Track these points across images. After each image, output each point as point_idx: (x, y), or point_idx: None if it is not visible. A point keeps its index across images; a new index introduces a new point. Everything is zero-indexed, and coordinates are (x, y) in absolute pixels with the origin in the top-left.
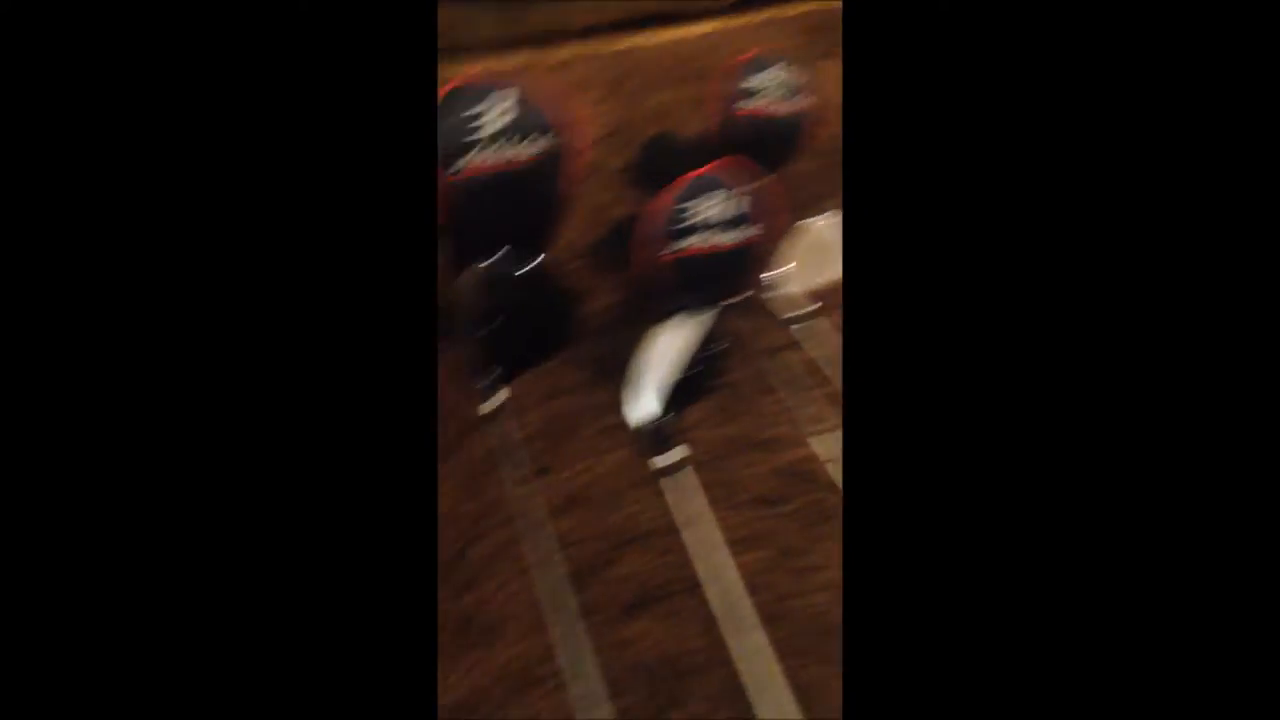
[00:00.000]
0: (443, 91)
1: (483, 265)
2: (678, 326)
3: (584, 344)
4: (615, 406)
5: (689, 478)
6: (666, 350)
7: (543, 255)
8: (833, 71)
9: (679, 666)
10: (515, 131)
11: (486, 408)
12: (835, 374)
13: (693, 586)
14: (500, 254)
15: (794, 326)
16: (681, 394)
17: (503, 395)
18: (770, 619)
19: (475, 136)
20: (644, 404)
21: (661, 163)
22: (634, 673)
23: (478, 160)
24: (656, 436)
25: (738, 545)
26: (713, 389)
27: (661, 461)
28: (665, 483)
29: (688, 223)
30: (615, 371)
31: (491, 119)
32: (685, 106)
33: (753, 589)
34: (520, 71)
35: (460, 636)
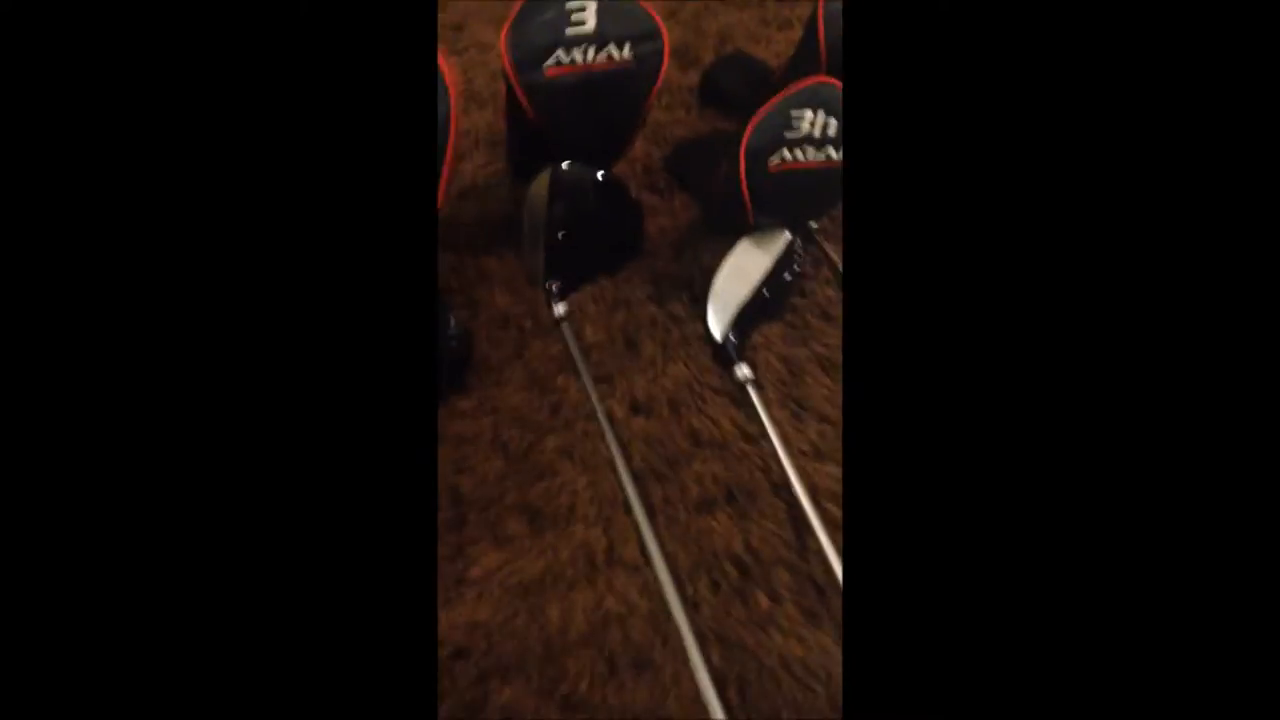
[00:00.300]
0: None
1: (557, 169)
2: (754, 245)
3: (650, 259)
4: (678, 322)
5: (757, 394)
6: (740, 268)
7: (614, 166)
8: None
9: (747, 562)
10: (606, 34)
11: (552, 314)
12: None
13: (761, 491)
14: (576, 159)
15: None
16: (753, 314)
17: (566, 304)
18: (838, 527)
19: (566, 35)
20: (713, 321)
21: (733, 84)
22: (705, 563)
23: (566, 60)
24: (724, 354)
25: (807, 458)
26: (784, 311)
27: (739, 375)
28: (734, 398)
29: (789, 135)
30: (681, 288)
31: (584, 18)
32: (748, 30)
33: (818, 499)
34: None
35: (532, 523)
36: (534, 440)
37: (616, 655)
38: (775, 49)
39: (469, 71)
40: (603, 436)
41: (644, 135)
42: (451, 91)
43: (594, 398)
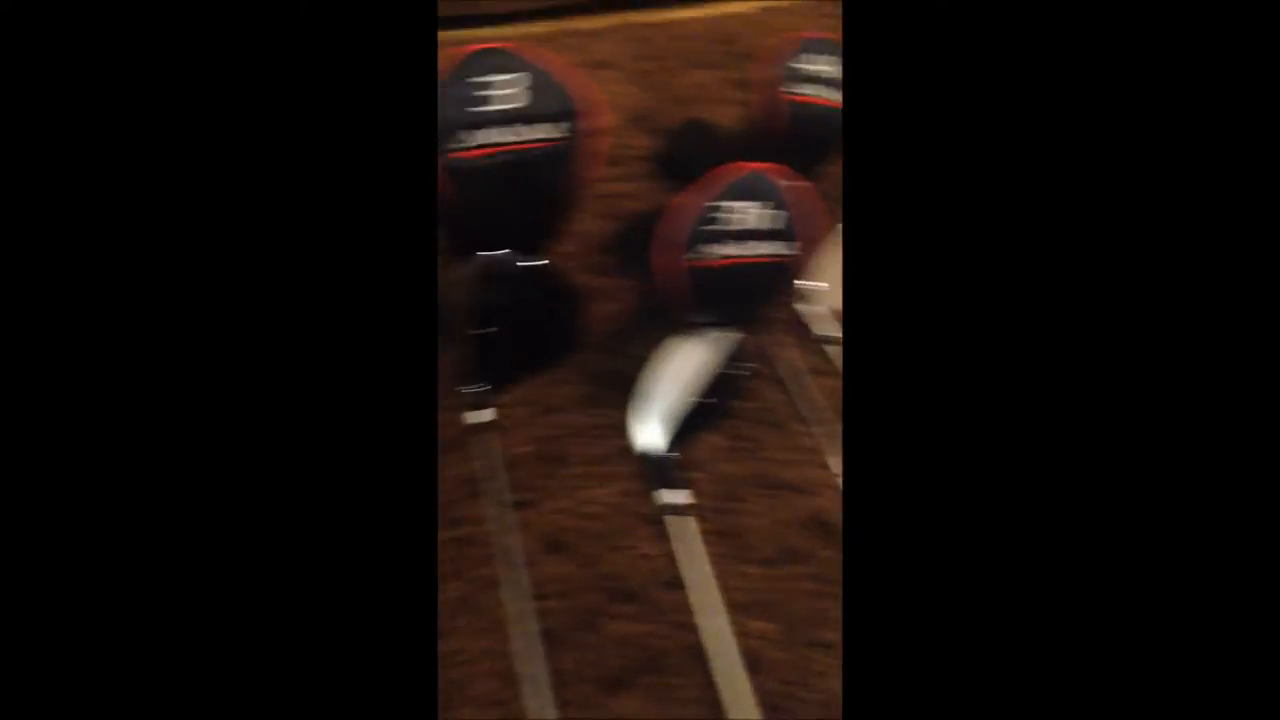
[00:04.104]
0: (451, 58)
1: (482, 257)
2: (695, 344)
3: (586, 355)
4: (615, 430)
5: (692, 525)
6: (679, 371)
7: (547, 251)
8: None
9: None
10: (530, 110)
11: (472, 421)
12: None
13: (690, 658)
14: (502, 245)
15: (826, 348)
16: (693, 423)
17: (490, 409)
18: (770, 707)
19: (485, 112)
20: (648, 431)
21: (692, 154)
22: None
23: (485, 139)
24: (659, 471)
25: (742, 611)
26: (727, 418)
27: (665, 500)
28: (669, 527)
29: (721, 227)
30: (619, 389)
31: (505, 94)
32: (721, 91)
33: (754, 667)
34: (540, 42)
35: None
36: (437, 584)
37: None
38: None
39: None
40: (512, 585)
41: (594, 209)
42: None
43: (505, 532)
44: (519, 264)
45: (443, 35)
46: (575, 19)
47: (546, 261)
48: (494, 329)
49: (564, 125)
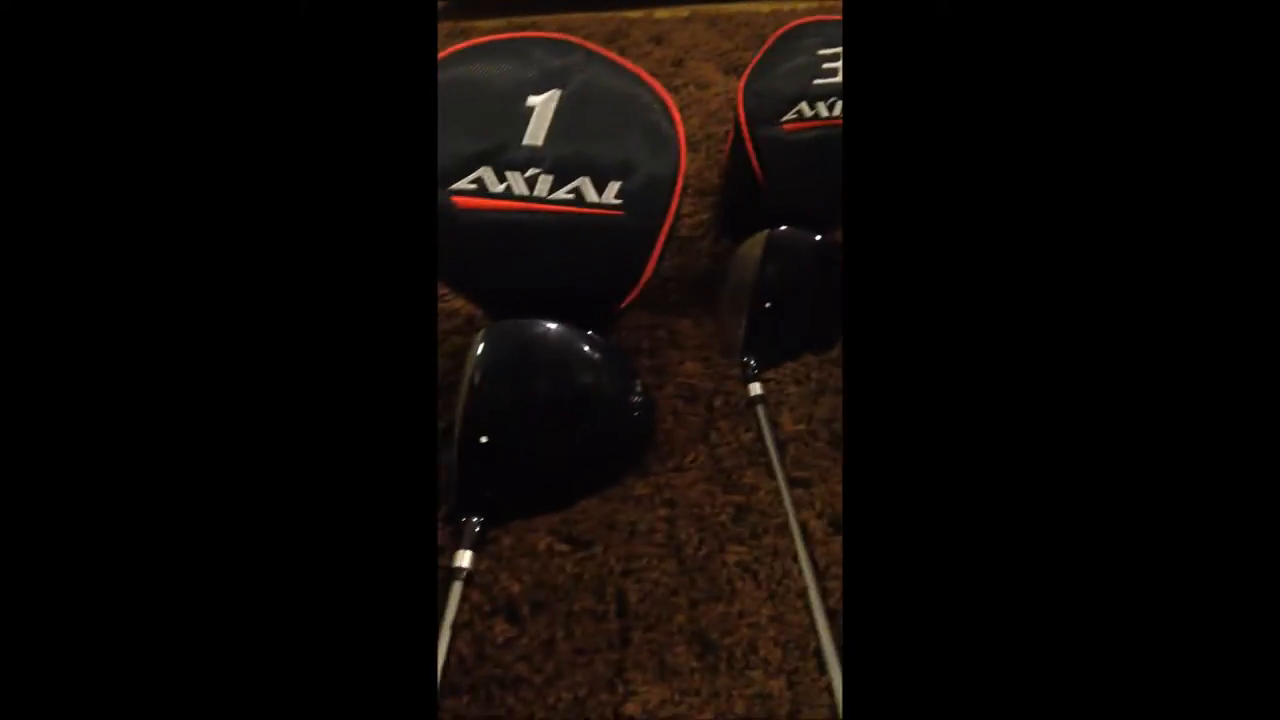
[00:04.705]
0: (783, 31)
1: (776, 233)
2: None
3: None
4: None
5: None
6: None
7: (837, 230)
8: None
9: None
10: None
11: (748, 392)
12: None
13: None
14: (801, 221)
15: None
16: None
17: (760, 383)
18: None
19: (813, 86)
20: None
21: None
22: None
23: (809, 113)
24: None
25: None
26: None
27: None
28: None
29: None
30: None
31: (837, 68)
32: None
33: None
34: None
35: (704, 657)
36: (713, 548)
37: None
38: None
39: (683, 111)
40: (794, 557)
41: None
42: (680, 135)
43: (789, 505)
44: (809, 240)
45: (754, 6)
46: None
47: (834, 239)
48: (771, 304)
49: None
